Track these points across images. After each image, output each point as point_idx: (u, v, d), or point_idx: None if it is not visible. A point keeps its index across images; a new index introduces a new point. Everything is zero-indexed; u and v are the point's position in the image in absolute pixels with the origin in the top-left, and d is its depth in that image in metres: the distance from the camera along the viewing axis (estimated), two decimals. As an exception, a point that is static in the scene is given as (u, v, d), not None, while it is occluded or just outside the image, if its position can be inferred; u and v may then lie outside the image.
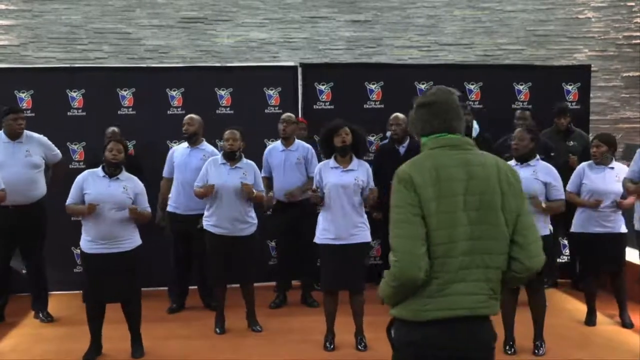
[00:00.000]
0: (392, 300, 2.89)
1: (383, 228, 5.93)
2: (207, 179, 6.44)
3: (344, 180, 5.89)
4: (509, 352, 5.85)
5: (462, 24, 10.67)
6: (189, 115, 7.36)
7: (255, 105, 8.30)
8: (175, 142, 7.97)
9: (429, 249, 2.77)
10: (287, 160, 7.40)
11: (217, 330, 6.57)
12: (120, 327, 5.98)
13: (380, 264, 7.98)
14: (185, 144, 7.33)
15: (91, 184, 5.75)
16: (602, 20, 10.72)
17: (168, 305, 7.36)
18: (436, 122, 3.00)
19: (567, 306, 7.39)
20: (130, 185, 5.81)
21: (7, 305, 7.07)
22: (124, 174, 5.86)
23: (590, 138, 7.42)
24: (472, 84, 8.63)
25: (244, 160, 6.54)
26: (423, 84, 8.54)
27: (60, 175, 7.12)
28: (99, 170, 5.85)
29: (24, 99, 7.97)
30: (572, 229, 6.68)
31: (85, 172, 5.92)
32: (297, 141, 7.50)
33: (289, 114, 7.62)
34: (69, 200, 5.83)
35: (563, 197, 5.90)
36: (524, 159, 5.89)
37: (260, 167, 7.02)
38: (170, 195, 7.31)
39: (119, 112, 8.13)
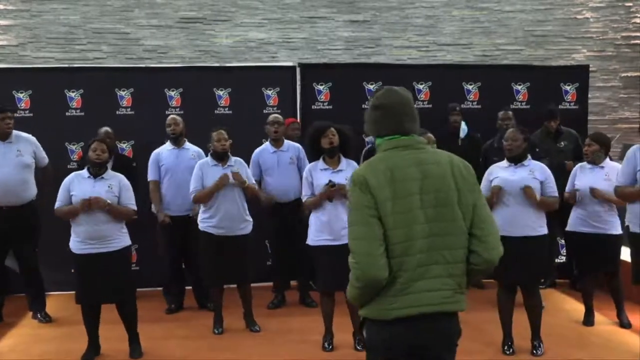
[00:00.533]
0: (359, 300, 2.95)
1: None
2: (202, 182, 6.43)
3: (335, 181, 5.88)
4: (508, 353, 5.84)
5: (461, 24, 10.68)
6: (172, 116, 7.39)
7: (253, 105, 8.31)
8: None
9: (388, 248, 2.83)
10: (280, 161, 7.40)
11: (216, 330, 6.57)
12: (118, 327, 5.98)
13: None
14: (168, 146, 7.31)
15: (76, 185, 5.74)
16: (600, 21, 10.73)
17: (165, 306, 7.36)
18: (389, 124, 3.05)
19: (565, 306, 7.39)
20: (114, 183, 5.79)
21: (5, 306, 7.09)
22: (109, 173, 5.85)
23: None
24: (471, 84, 8.64)
25: (233, 158, 6.57)
26: (422, 84, 8.56)
27: (50, 179, 6.98)
28: (84, 171, 5.85)
29: (22, 99, 7.97)
30: (567, 228, 6.70)
31: (72, 174, 5.90)
32: (286, 141, 7.51)
33: (277, 115, 7.63)
34: (57, 204, 5.80)
35: (557, 194, 5.90)
36: (517, 160, 5.88)
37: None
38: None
39: (117, 112, 8.14)
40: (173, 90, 8.23)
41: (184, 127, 7.30)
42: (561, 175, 6.70)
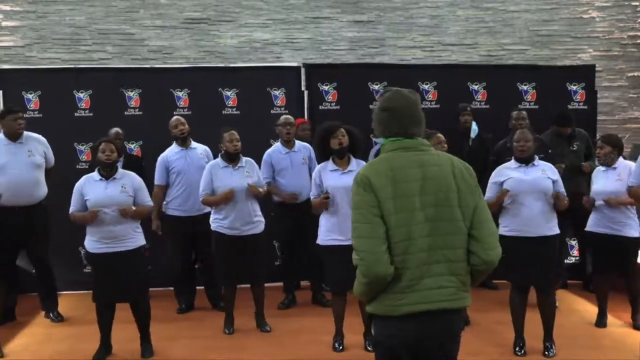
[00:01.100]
0: (366, 296, 3.05)
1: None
2: (212, 185, 6.44)
3: (344, 182, 5.81)
4: (519, 354, 5.83)
5: (466, 24, 10.68)
6: (177, 117, 7.39)
7: (261, 105, 8.32)
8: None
9: (390, 246, 2.94)
10: (293, 162, 7.41)
11: (226, 330, 6.59)
12: (130, 327, 6.00)
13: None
14: (175, 148, 7.30)
15: (89, 189, 5.73)
16: (606, 20, 10.73)
17: (177, 306, 7.38)
18: (395, 127, 3.14)
19: (578, 307, 7.39)
20: (128, 183, 5.80)
21: (18, 305, 7.10)
22: (120, 172, 5.85)
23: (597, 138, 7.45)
24: (476, 84, 8.66)
25: (244, 159, 6.57)
26: (427, 84, 8.58)
27: (51, 180, 7.06)
28: (94, 174, 5.83)
29: (32, 99, 7.97)
30: (586, 228, 6.68)
31: (83, 177, 5.88)
32: (297, 142, 7.53)
33: (288, 116, 7.62)
34: (72, 208, 5.81)
35: (565, 194, 5.93)
36: (529, 160, 5.91)
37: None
38: (169, 200, 7.31)
39: (125, 113, 8.16)
40: (180, 91, 8.24)
41: (189, 127, 7.31)
42: (577, 176, 6.73)
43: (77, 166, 7.89)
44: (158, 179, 7.27)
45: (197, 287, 7.54)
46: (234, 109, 8.31)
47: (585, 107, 8.61)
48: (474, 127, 7.99)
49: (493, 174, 5.98)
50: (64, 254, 7.56)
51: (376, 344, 3.15)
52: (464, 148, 7.55)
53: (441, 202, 2.99)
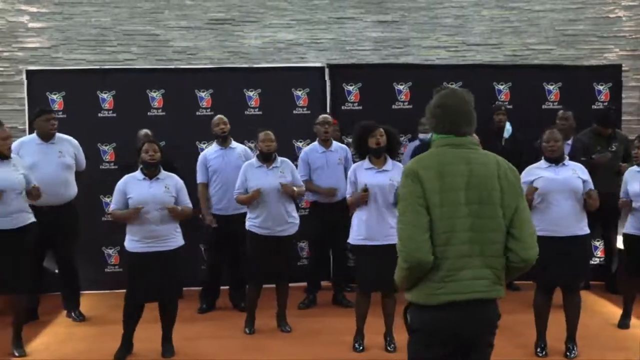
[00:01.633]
0: (406, 283, 3.15)
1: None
2: (247, 185, 6.48)
3: (379, 180, 5.87)
4: (540, 355, 5.81)
5: (490, 23, 10.60)
6: (219, 116, 7.39)
7: (283, 106, 8.32)
8: (204, 143, 8.02)
9: (432, 236, 3.04)
10: (329, 162, 7.43)
11: (247, 330, 6.59)
12: (151, 327, 6.03)
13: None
14: (215, 147, 7.36)
15: (132, 187, 5.79)
16: (633, 19, 10.58)
17: (198, 306, 7.39)
18: (447, 124, 3.23)
19: (600, 308, 7.32)
20: (171, 183, 5.87)
21: (40, 305, 7.16)
22: (163, 173, 5.92)
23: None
24: (501, 84, 8.59)
25: (279, 159, 6.60)
26: (451, 84, 8.47)
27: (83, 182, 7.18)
28: (137, 173, 5.90)
29: (56, 100, 8.05)
30: (624, 230, 6.59)
31: (125, 177, 5.93)
32: (334, 142, 7.54)
33: (326, 115, 7.63)
34: (113, 207, 5.87)
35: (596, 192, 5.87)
36: (558, 160, 5.85)
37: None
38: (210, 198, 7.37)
39: (148, 114, 8.19)
40: (204, 92, 8.27)
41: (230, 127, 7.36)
42: (610, 177, 6.66)
43: (100, 166, 7.96)
44: (199, 177, 7.35)
45: (222, 287, 7.55)
46: (256, 109, 8.32)
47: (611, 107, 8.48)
48: (508, 127, 7.92)
49: (523, 173, 5.92)
50: (86, 253, 7.62)
51: (411, 333, 3.21)
52: (496, 148, 7.48)
53: (485, 200, 3.09)
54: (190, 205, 6.02)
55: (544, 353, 5.81)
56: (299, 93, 8.39)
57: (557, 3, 10.59)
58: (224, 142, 7.32)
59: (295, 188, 6.50)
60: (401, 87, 8.51)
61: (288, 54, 10.39)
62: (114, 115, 8.16)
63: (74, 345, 6.35)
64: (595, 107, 8.43)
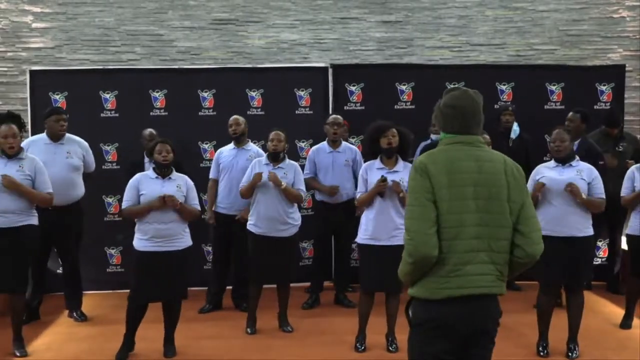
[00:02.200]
0: (410, 277, 3.18)
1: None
2: (249, 179, 6.51)
3: (389, 180, 5.86)
4: (542, 354, 5.81)
5: (494, 24, 10.59)
6: (234, 116, 7.39)
7: (286, 106, 8.31)
8: (206, 143, 8.03)
9: (439, 231, 3.08)
10: (335, 162, 7.43)
11: (249, 330, 6.59)
12: (152, 326, 6.03)
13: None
14: (231, 145, 7.38)
15: (145, 185, 5.81)
16: (636, 20, 10.54)
17: (200, 306, 7.39)
18: (457, 125, 3.28)
19: (602, 309, 7.31)
20: (182, 183, 5.90)
21: (42, 304, 7.16)
22: (175, 174, 5.95)
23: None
24: (504, 84, 8.57)
25: (287, 161, 6.61)
26: (454, 84, 8.42)
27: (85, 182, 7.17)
28: (150, 172, 5.94)
29: (59, 100, 8.05)
30: (628, 231, 6.60)
31: (137, 174, 5.97)
32: (343, 143, 7.54)
33: (337, 116, 7.64)
34: (125, 204, 5.86)
35: (604, 197, 5.83)
36: (565, 160, 5.83)
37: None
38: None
39: (151, 114, 8.19)
40: (206, 92, 8.27)
41: (246, 127, 7.34)
42: (619, 178, 6.63)
43: (102, 166, 7.95)
44: (211, 173, 7.43)
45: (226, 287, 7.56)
46: (259, 109, 8.31)
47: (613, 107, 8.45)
48: (515, 127, 7.90)
49: (533, 172, 5.95)
50: (88, 253, 7.62)
51: (413, 327, 3.23)
52: (503, 148, 7.47)
53: (493, 196, 3.14)
54: (198, 207, 6.01)
55: (545, 352, 5.81)
56: (302, 93, 8.39)
57: (561, 3, 10.58)
58: (237, 142, 7.33)
59: (284, 183, 6.41)
60: (404, 88, 8.50)
61: (291, 54, 10.39)
62: (117, 115, 8.16)
63: (75, 345, 6.35)
64: (597, 107, 8.40)
